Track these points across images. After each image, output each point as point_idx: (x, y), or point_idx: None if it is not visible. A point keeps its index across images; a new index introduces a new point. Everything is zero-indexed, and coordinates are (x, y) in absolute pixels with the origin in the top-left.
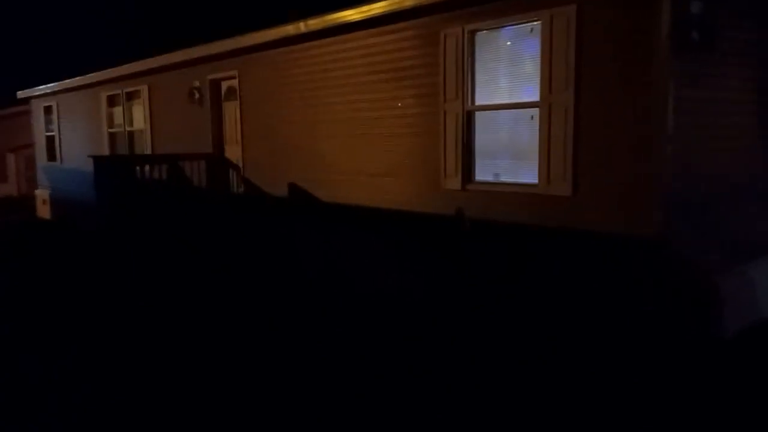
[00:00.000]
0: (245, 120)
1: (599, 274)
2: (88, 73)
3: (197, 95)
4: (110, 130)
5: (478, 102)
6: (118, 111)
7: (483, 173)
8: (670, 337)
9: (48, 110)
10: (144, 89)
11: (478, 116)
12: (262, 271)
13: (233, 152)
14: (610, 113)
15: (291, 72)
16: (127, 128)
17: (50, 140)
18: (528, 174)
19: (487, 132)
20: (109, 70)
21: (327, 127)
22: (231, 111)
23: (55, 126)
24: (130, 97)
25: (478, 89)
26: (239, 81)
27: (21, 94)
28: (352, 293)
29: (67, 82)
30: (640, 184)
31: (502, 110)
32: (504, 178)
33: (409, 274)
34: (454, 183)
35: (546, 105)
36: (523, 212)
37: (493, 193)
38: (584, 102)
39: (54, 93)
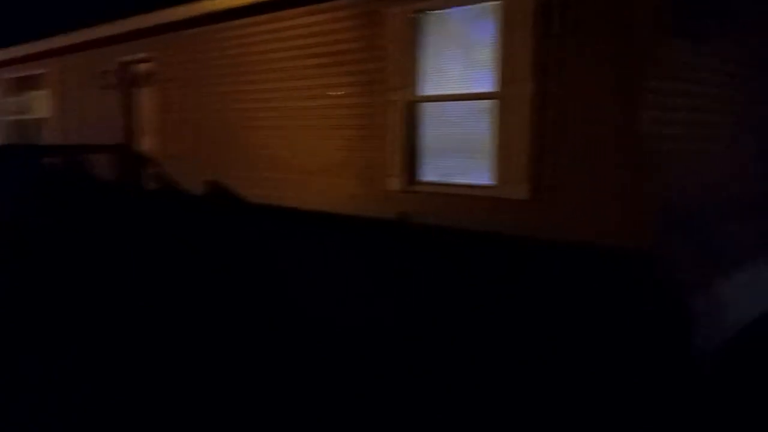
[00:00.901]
0: (162, 108)
1: (552, 286)
2: None
3: (108, 80)
4: (11, 119)
5: (426, 92)
6: (20, 97)
7: (430, 172)
8: (639, 355)
9: None
10: (49, 73)
11: (426, 108)
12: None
13: (149, 144)
14: (580, 107)
15: (212, 55)
16: (30, 116)
17: None
18: (482, 174)
19: (436, 126)
20: (6, 49)
21: (253, 117)
22: (146, 98)
23: None
24: (34, 81)
25: (426, 78)
26: (155, 65)
27: None
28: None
29: None
30: (612, 187)
31: (453, 101)
32: (455, 179)
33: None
34: (397, 183)
35: (503, 96)
36: (476, 217)
37: (441, 195)
38: (548, 94)
39: None
